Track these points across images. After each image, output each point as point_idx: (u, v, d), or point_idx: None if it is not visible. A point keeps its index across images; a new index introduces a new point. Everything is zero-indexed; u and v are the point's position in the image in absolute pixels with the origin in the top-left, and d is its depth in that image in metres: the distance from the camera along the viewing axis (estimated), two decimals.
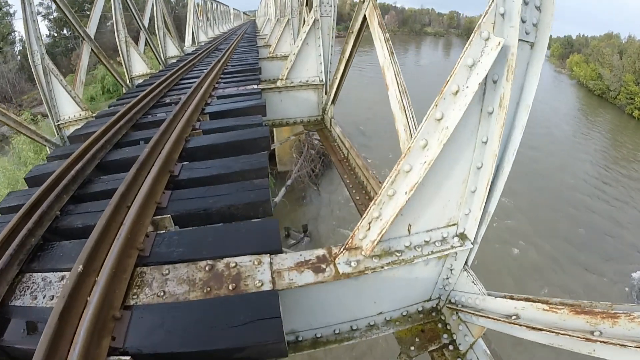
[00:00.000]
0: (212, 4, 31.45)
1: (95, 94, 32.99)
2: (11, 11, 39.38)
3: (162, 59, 13.94)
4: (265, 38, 15.04)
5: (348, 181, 5.05)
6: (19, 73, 39.38)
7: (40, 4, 44.25)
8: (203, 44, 19.98)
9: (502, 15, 1.82)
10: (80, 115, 7.44)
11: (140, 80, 10.38)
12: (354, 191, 4.87)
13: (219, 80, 7.32)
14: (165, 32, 14.42)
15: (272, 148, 7.84)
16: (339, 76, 5.57)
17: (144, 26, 12.00)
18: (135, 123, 5.29)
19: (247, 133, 3.93)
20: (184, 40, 21.22)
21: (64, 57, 39.08)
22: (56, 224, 2.88)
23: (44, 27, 38.22)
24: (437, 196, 2.18)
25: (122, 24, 10.40)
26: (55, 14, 44.70)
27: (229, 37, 22.45)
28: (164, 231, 2.72)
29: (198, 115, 4.93)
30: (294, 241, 15.30)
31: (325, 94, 6.45)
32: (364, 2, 4.55)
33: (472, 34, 1.91)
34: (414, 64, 63.34)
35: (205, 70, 7.99)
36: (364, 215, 2.18)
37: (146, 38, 12.40)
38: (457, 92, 1.87)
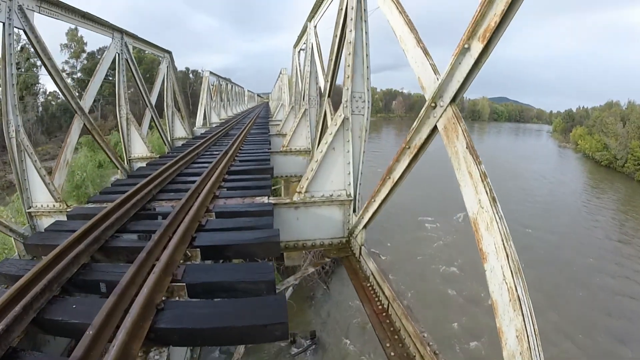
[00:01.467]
0: (227, 84, 32.28)
1: (103, 161, 32.35)
2: (39, 63, 41.31)
3: (169, 140, 13.10)
4: (278, 125, 14.39)
5: (392, 354, 3.45)
6: (35, 125, 41.28)
7: (66, 62, 47.64)
8: (214, 125, 19.58)
9: None
10: (53, 206, 6.24)
11: (138, 165, 9.29)
12: None
13: (222, 182, 6.08)
14: (174, 111, 13.76)
15: (286, 286, 6.54)
16: (378, 200, 4.20)
17: (150, 103, 11.12)
18: (103, 245, 3.89)
19: (251, 311, 2.45)
20: (196, 117, 20.92)
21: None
22: None
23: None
24: None
25: (125, 100, 9.51)
26: (79, 74, 47.71)
27: (241, 120, 22.22)
28: None
29: (185, 248, 3.53)
30: (299, 349, 13.12)
31: (354, 211, 5.12)
32: (435, 107, 3.03)
33: None
34: None
35: (208, 165, 6.84)
36: None
37: (152, 116, 11.53)
38: None
